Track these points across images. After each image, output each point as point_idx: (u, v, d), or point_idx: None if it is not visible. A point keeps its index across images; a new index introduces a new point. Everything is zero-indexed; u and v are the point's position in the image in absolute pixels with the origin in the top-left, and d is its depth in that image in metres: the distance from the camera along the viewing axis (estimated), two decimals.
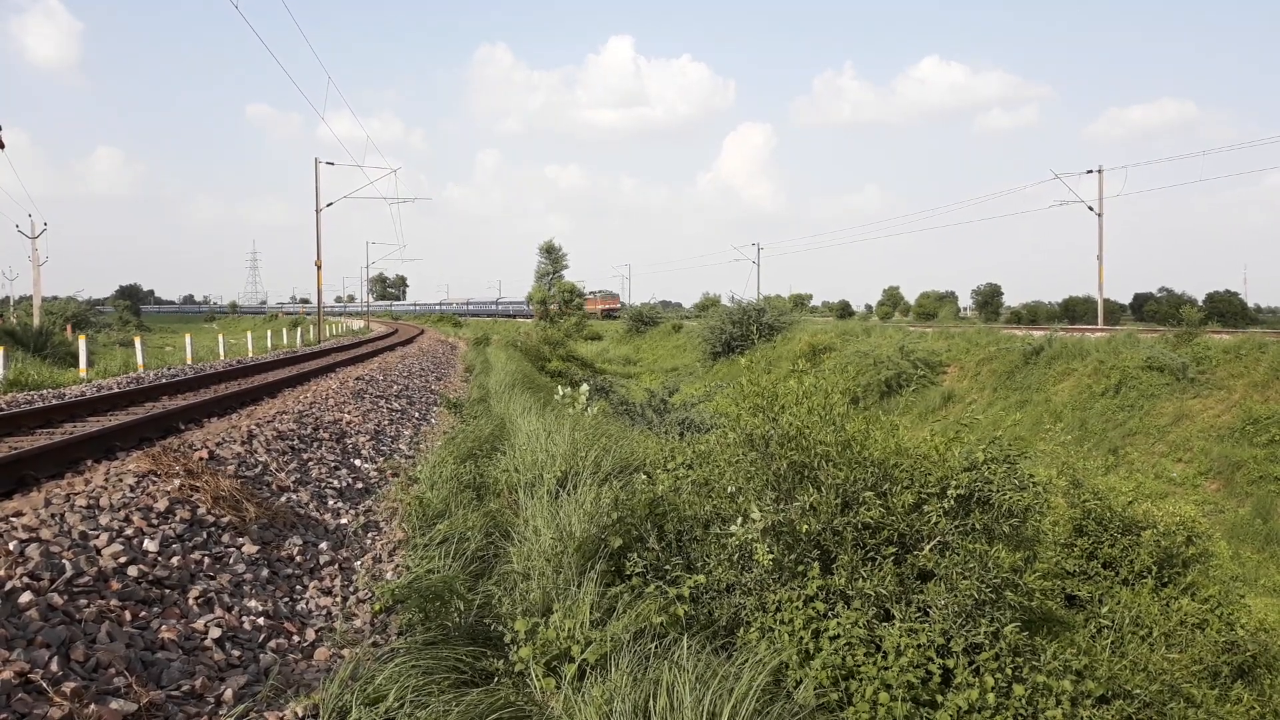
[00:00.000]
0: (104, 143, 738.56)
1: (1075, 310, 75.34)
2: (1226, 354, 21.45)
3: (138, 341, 23.16)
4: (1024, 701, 5.12)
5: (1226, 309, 66.37)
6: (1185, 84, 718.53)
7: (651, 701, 4.33)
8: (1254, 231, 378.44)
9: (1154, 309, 66.93)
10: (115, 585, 5.05)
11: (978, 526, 5.75)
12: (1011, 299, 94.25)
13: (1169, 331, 25.58)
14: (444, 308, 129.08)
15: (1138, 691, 5.96)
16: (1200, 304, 63.96)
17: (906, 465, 6.13)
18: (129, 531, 5.86)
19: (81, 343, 20.16)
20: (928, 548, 5.79)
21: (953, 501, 5.76)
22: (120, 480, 6.85)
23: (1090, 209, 45.85)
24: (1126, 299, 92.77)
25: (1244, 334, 24.42)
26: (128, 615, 4.80)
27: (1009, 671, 5.26)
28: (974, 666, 5.26)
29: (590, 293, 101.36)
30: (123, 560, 5.37)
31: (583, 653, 4.77)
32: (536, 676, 4.74)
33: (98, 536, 5.63)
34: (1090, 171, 46.15)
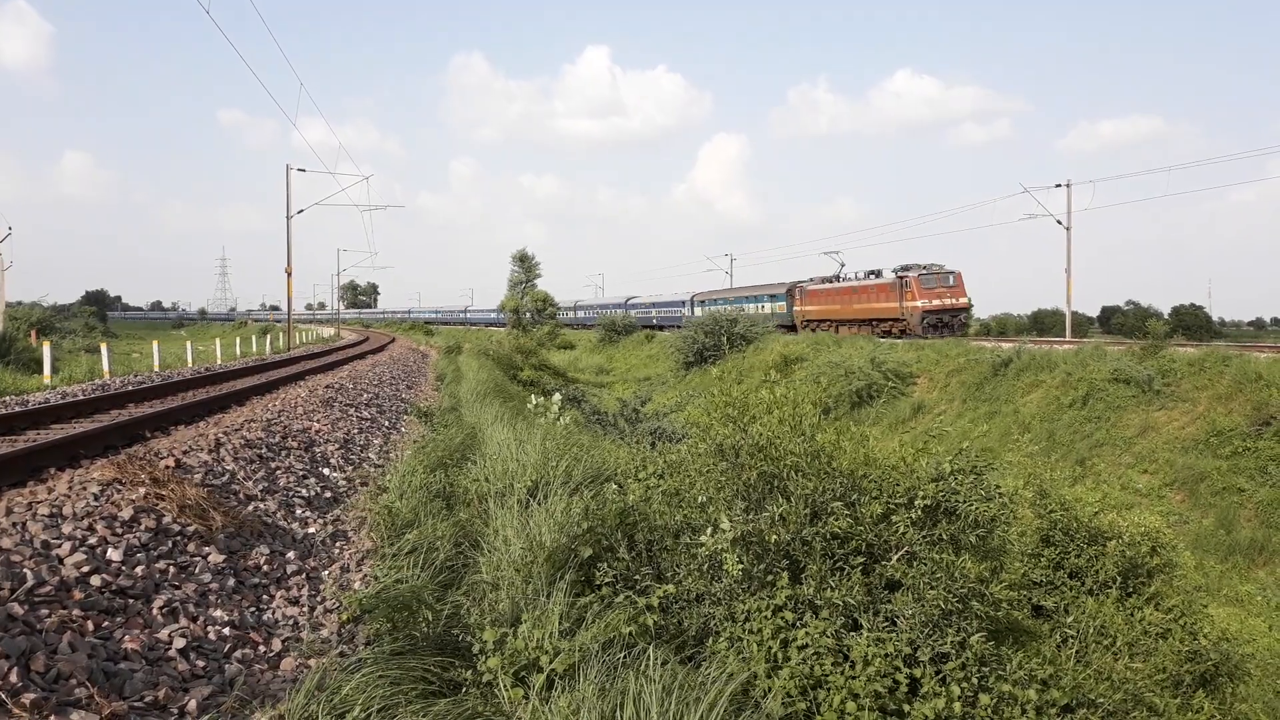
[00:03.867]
0: (73, 146, 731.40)
1: (1044, 323, 76.18)
2: (1191, 367, 21.77)
3: (104, 348, 22.88)
4: (990, 710, 5.17)
5: (1192, 322, 67.49)
6: (1155, 99, 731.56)
7: (619, 712, 4.33)
8: (1219, 246, 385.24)
9: (1121, 322, 67.86)
10: (78, 595, 4.98)
11: (945, 537, 5.81)
12: (981, 311, 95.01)
13: (1135, 344, 25.96)
14: (416, 315, 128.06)
15: (1102, 700, 6.03)
16: (1166, 317, 64.97)
17: (875, 476, 6.17)
18: (92, 540, 5.79)
19: (46, 349, 19.88)
20: (895, 558, 5.84)
21: (920, 512, 5.81)
22: (84, 488, 6.75)
23: (1059, 223, 46.32)
24: (1094, 312, 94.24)
25: (1208, 347, 24.77)
26: (90, 625, 4.74)
27: (975, 681, 5.31)
28: (941, 676, 5.30)
29: (908, 268, 45.30)
30: (85, 569, 5.30)
31: (551, 663, 4.75)
32: (504, 687, 4.72)
33: (60, 545, 5.55)
34: (1059, 185, 46.49)
